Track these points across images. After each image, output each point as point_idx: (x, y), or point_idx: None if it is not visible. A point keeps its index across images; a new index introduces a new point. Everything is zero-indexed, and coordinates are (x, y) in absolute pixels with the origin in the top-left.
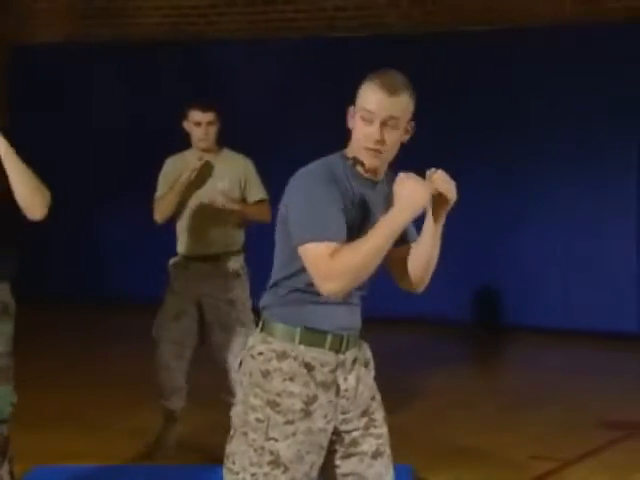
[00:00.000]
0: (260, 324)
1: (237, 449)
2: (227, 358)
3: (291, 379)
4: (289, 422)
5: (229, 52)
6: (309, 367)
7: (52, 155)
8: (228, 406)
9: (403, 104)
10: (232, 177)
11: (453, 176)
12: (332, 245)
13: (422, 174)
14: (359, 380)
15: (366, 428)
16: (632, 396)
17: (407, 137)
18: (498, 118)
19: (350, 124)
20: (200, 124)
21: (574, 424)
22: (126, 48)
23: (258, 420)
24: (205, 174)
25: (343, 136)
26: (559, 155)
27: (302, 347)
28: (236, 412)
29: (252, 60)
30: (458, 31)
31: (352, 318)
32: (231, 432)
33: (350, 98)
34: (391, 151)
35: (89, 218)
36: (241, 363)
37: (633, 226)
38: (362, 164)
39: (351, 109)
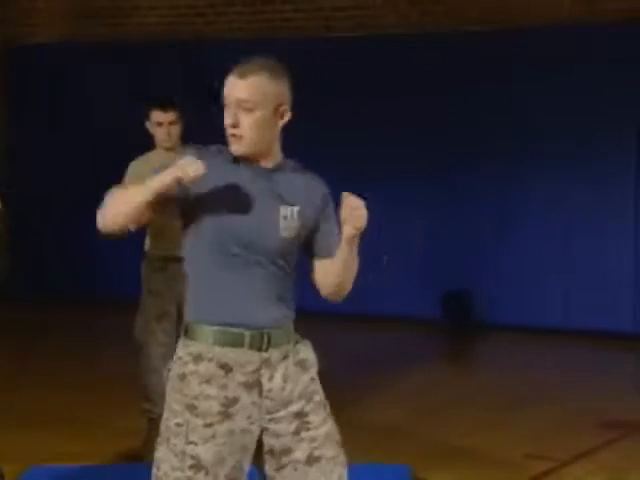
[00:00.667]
0: (182, 329)
1: (161, 455)
2: None
3: (207, 382)
4: (208, 425)
5: (227, 52)
6: (227, 368)
7: (49, 154)
8: None
9: (254, 85)
10: None
11: (452, 175)
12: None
13: (429, 174)
14: (287, 379)
15: (297, 432)
16: (628, 396)
17: (282, 122)
18: (496, 118)
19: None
20: (162, 124)
21: (570, 424)
22: (124, 48)
23: (178, 425)
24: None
25: (341, 135)
26: (557, 154)
27: (217, 348)
28: (162, 418)
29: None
30: (456, 32)
31: (272, 314)
32: (159, 439)
33: (348, 97)
34: (256, 135)
35: (85, 218)
36: (169, 369)
37: (630, 226)
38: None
39: None
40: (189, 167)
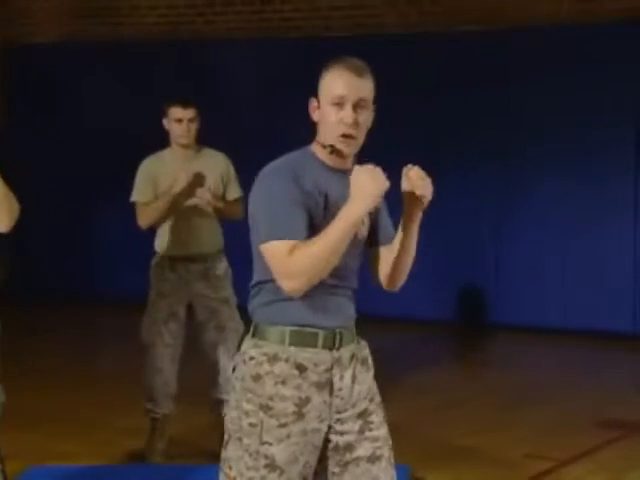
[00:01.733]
0: (251, 329)
1: (233, 454)
2: (221, 356)
3: (283, 382)
4: (282, 425)
5: (226, 51)
6: (301, 368)
7: (48, 154)
8: (216, 403)
9: (369, 85)
10: (216, 175)
11: (451, 175)
12: (290, 242)
13: (429, 174)
14: (355, 379)
15: (361, 432)
16: (628, 396)
17: (371, 121)
18: (495, 117)
19: (315, 117)
20: (181, 121)
21: (570, 424)
22: (123, 47)
23: (252, 425)
24: (196, 185)
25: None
26: (556, 154)
27: (293, 348)
28: (230, 418)
29: (249, 59)
30: (454, 31)
31: (343, 313)
32: (225, 437)
33: None
34: (362, 135)
35: (84, 217)
36: (234, 368)
37: (630, 225)
38: (339, 152)
39: (313, 101)
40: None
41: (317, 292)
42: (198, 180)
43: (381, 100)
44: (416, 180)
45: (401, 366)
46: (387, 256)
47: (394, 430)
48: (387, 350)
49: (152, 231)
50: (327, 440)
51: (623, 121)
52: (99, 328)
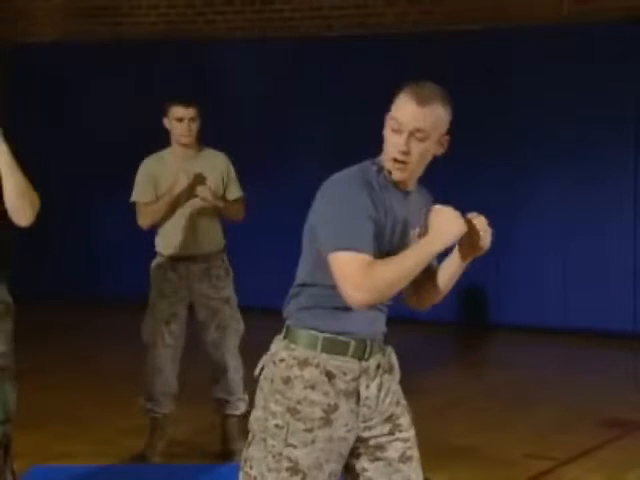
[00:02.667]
0: (284, 331)
1: (255, 454)
2: (224, 356)
3: (312, 387)
4: (309, 430)
5: (226, 51)
6: (330, 375)
7: (48, 154)
8: (219, 403)
9: (433, 116)
10: (216, 175)
11: (451, 175)
12: (366, 257)
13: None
14: (381, 387)
15: (391, 433)
16: (627, 395)
17: (441, 151)
18: (495, 117)
19: (384, 132)
20: (182, 120)
21: (570, 423)
22: (123, 47)
23: (277, 426)
24: (196, 185)
25: (340, 135)
26: (556, 153)
27: (324, 355)
28: (256, 417)
29: (249, 59)
30: (455, 31)
31: (376, 324)
32: (249, 437)
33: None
34: (419, 163)
35: (84, 217)
36: (263, 368)
37: (630, 225)
38: (390, 173)
39: (387, 116)
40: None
41: None
42: (198, 181)
43: (381, 100)
44: (479, 231)
45: (401, 366)
46: (430, 281)
47: None
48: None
49: (153, 231)
50: (356, 447)
51: (624, 121)
52: (99, 328)
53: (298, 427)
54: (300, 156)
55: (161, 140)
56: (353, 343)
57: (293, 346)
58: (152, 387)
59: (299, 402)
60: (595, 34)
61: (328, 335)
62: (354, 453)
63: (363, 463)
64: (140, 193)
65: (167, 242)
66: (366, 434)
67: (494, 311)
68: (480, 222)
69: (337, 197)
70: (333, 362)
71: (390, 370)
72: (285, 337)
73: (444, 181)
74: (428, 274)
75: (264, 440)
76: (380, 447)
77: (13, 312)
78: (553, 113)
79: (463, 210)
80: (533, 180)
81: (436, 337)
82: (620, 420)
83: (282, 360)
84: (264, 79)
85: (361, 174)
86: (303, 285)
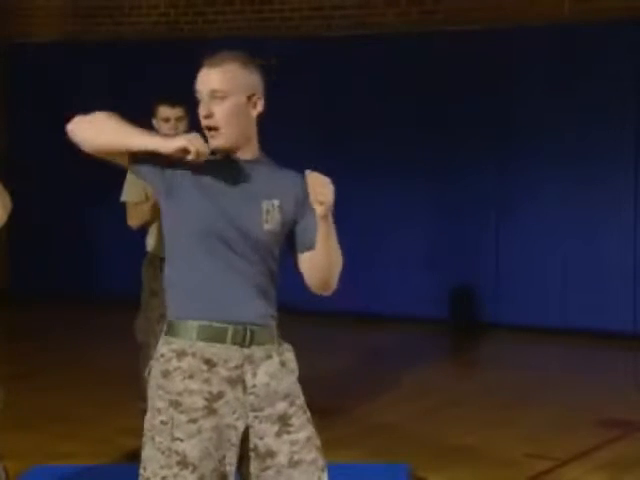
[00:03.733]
0: (165, 327)
1: (147, 454)
2: None
3: (190, 377)
4: (192, 420)
5: (227, 50)
6: (210, 363)
7: (47, 154)
8: None
9: (228, 75)
10: None
11: (452, 174)
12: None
13: (430, 173)
14: (272, 376)
15: (279, 435)
16: (627, 395)
17: (256, 112)
18: (496, 117)
19: None
20: (169, 120)
21: (569, 423)
22: (123, 46)
23: (163, 422)
24: None
25: (340, 133)
26: (557, 153)
27: (201, 343)
28: (146, 418)
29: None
30: (456, 30)
31: (256, 309)
32: (143, 439)
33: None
34: (230, 125)
35: (83, 217)
36: (150, 369)
37: (630, 225)
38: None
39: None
40: (198, 143)
41: (208, 260)
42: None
43: (382, 99)
44: (313, 186)
45: (401, 365)
46: (310, 262)
47: (393, 429)
48: (387, 349)
49: (143, 231)
50: (247, 441)
51: (624, 121)
52: (99, 328)
53: (181, 419)
54: (299, 153)
55: None
56: (231, 329)
57: (171, 339)
58: (146, 387)
59: (180, 394)
60: (595, 34)
61: (203, 322)
62: (246, 456)
63: (254, 471)
64: (129, 193)
65: (157, 241)
66: (256, 425)
67: (494, 311)
68: (312, 179)
69: None
70: (211, 349)
71: (285, 364)
72: (166, 333)
73: (444, 180)
74: (312, 255)
75: (152, 438)
76: (269, 453)
77: None
78: (553, 114)
79: (459, 206)
80: (533, 180)
81: (436, 337)
82: (620, 420)
83: (162, 355)
84: (265, 79)
85: None
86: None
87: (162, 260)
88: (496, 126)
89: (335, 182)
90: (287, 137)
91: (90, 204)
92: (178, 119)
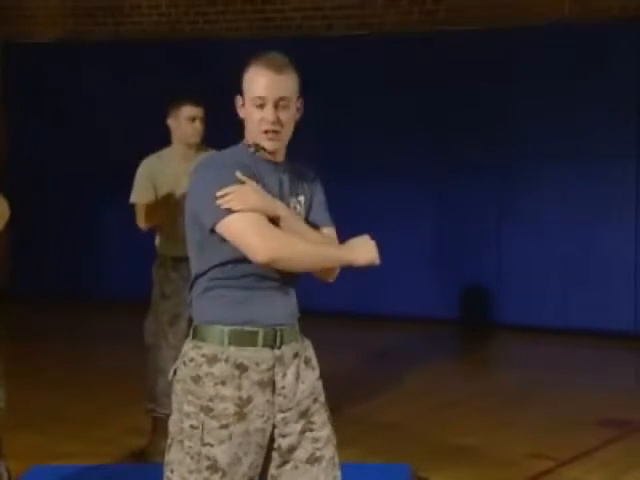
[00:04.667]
0: (191, 331)
1: (175, 458)
2: None
3: (223, 383)
4: (224, 426)
5: (227, 50)
6: (242, 368)
7: (49, 154)
8: None
9: (290, 82)
10: None
11: (447, 171)
12: (260, 216)
13: (434, 173)
14: (298, 377)
15: (302, 432)
16: (628, 395)
17: (299, 116)
18: (497, 116)
19: (241, 114)
20: (195, 119)
21: (570, 423)
22: (123, 47)
23: (193, 427)
24: None
25: (341, 134)
26: (558, 153)
27: (232, 348)
28: (172, 420)
29: (250, 59)
30: (456, 31)
31: (285, 310)
32: (168, 441)
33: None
34: (288, 131)
35: (84, 217)
36: (175, 371)
37: (631, 225)
38: (264, 149)
39: (238, 99)
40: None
41: (240, 263)
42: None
43: (383, 99)
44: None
45: (403, 365)
46: None
47: (395, 429)
48: (389, 349)
49: (146, 232)
50: (272, 441)
51: (625, 121)
52: (98, 328)
53: (213, 425)
54: (301, 154)
55: (162, 140)
56: (261, 332)
57: (200, 344)
58: (154, 388)
59: (211, 399)
60: (595, 34)
61: (234, 327)
62: (267, 455)
63: (272, 470)
64: (139, 195)
65: (168, 242)
66: (281, 427)
67: (495, 311)
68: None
69: (201, 181)
70: (244, 354)
71: (307, 362)
72: (193, 337)
73: (445, 180)
74: None
75: (181, 442)
76: (291, 449)
77: None
78: (555, 113)
79: (461, 206)
80: (535, 179)
81: (436, 336)
82: (621, 420)
83: (192, 360)
84: None
85: (225, 155)
86: (196, 278)
87: (174, 260)
88: (497, 126)
89: (336, 182)
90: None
91: (91, 204)
92: (201, 119)
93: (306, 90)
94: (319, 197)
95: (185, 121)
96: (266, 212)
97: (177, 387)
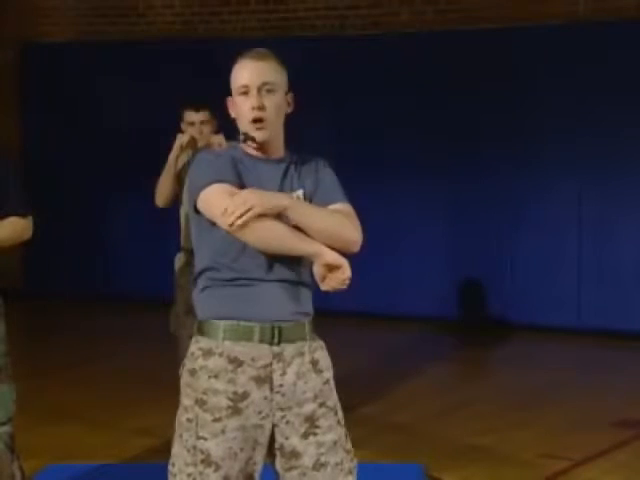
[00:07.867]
0: (195, 326)
1: (175, 451)
2: None
3: (216, 376)
4: (217, 420)
5: (241, 50)
6: (236, 362)
7: (60, 154)
8: None
9: (273, 68)
10: None
11: (458, 170)
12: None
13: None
14: (300, 376)
15: (305, 436)
16: None
17: (290, 110)
18: (509, 115)
19: (233, 113)
20: (194, 124)
21: (585, 423)
22: (138, 46)
23: (189, 420)
24: (189, 146)
25: (355, 133)
26: (572, 151)
27: (227, 343)
28: (177, 415)
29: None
30: (470, 29)
31: (285, 306)
32: (174, 435)
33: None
34: (274, 118)
35: (95, 216)
36: (183, 367)
37: None
38: (253, 139)
39: (229, 100)
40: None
41: (238, 258)
42: (191, 142)
43: (397, 97)
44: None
45: (414, 365)
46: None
47: (407, 429)
48: (400, 348)
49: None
50: (273, 440)
51: (635, 119)
52: (112, 327)
53: (206, 418)
54: (314, 154)
55: (175, 140)
56: (257, 327)
57: (199, 338)
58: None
59: (204, 392)
60: (610, 33)
61: (229, 322)
62: (270, 453)
63: (279, 470)
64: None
65: (185, 235)
66: (282, 425)
67: (508, 311)
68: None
69: (197, 174)
70: (238, 348)
71: (315, 363)
72: (196, 332)
73: (459, 179)
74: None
75: (180, 436)
76: (294, 454)
77: (3, 314)
78: (568, 112)
79: (474, 205)
80: (548, 178)
81: (451, 336)
82: (636, 420)
83: (192, 354)
84: None
85: (219, 152)
86: (199, 274)
87: (189, 253)
88: (513, 124)
89: (349, 181)
90: (300, 137)
91: (104, 204)
92: (203, 123)
93: (321, 90)
94: (325, 182)
95: (187, 126)
96: (271, 208)
97: (181, 381)
